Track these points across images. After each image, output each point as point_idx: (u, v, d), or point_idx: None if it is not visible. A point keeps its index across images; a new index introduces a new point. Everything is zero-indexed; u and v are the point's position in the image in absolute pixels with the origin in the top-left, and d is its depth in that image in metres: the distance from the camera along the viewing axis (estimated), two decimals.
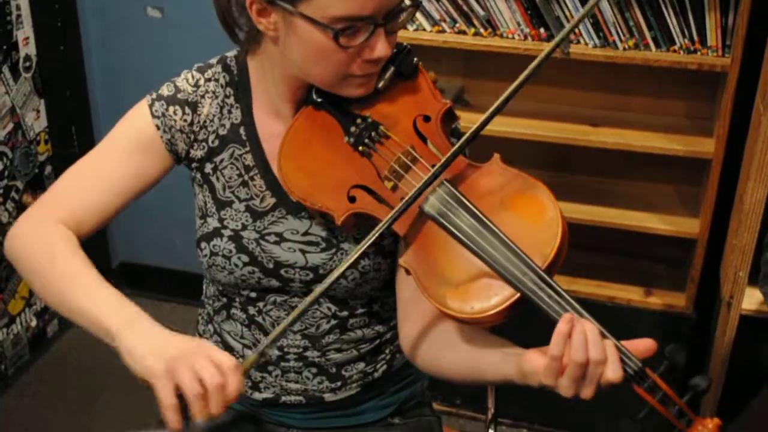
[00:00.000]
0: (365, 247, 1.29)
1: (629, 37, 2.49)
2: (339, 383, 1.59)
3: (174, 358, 1.22)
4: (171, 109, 1.48)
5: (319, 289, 1.28)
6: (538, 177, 1.38)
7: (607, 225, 2.66)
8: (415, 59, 1.44)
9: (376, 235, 1.29)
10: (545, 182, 1.35)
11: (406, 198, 1.30)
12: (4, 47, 2.86)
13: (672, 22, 2.45)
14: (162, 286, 3.46)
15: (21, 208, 3.02)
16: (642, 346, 1.20)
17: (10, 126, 2.95)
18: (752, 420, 2.75)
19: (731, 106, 2.44)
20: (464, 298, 1.26)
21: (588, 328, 1.17)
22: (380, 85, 1.41)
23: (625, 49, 2.50)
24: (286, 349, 1.55)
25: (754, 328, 2.51)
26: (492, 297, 1.24)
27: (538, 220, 1.27)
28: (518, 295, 1.22)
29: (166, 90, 1.49)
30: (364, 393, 1.61)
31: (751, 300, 2.46)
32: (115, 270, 3.49)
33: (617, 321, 2.63)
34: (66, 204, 1.48)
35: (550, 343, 1.18)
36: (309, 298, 1.28)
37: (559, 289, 1.21)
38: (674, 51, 2.48)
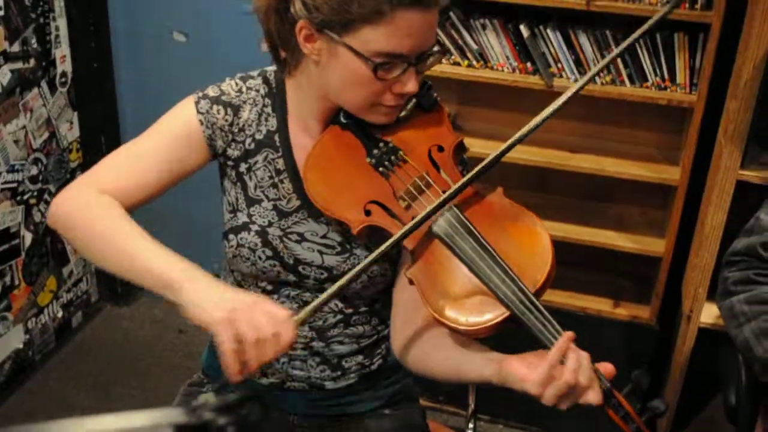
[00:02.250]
0: (379, 254, 1.30)
1: (607, 74, 2.51)
2: (339, 373, 1.60)
3: (234, 309, 1.23)
4: (215, 108, 1.48)
5: (348, 275, 1.29)
6: (521, 197, 1.40)
7: (581, 242, 2.67)
8: (435, 94, 1.47)
9: (389, 246, 1.30)
10: (527, 202, 1.38)
11: (419, 217, 1.31)
12: (43, 64, 2.88)
13: (645, 61, 2.47)
14: None
15: None
16: (604, 368, 1.23)
17: (46, 135, 2.96)
18: (707, 424, 2.76)
19: (696, 139, 2.45)
20: (460, 312, 1.29)
21: (583, 355, 1.21)
22: (402, 114, 1.43)
23: (602, 84, 2.52)
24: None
25: (711, 339, 2.52)
26: (485, 313, 1.27)
27: (532, 249, 1.30)
28: (508, 313, 1.25)
29: (211, 91, 1.50)
30: (360, 384, 1.62)
31: (708, 314, 2.47)
32: None
33: (587, 330, 2.66)
34: (111, 178, 1.46)
35: (548, 356, 1.21)
36: (345, 279, 1.29)
37: (544, 312, 1.25)
38: (647, 87, 2.50)
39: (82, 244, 1.44)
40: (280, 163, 1.50)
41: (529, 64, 2.56)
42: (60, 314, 3.19)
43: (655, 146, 2.71)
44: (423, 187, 1.40)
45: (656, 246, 2.64)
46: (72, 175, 3.13)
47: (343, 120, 1.47)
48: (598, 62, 2.49)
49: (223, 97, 1.50)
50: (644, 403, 1.24)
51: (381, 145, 1.44)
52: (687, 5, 2.35)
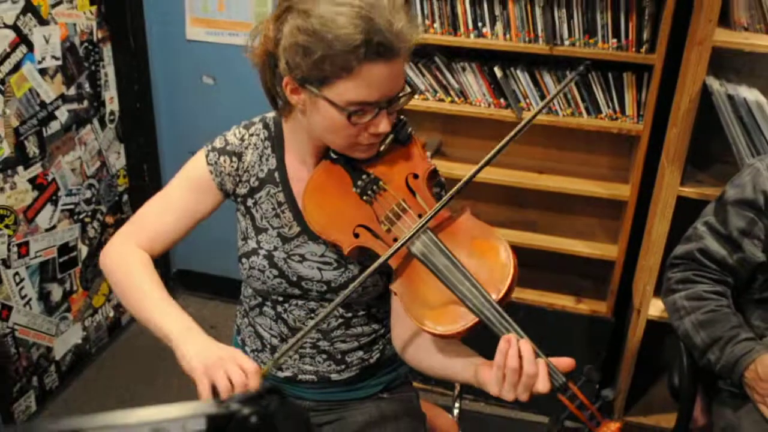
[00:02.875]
0: (367, 276, 1.31)
1: (567, 107, 2.52)
2: (343, 366, 1.59)
3: (212, 363, 1.26)
4: (221, 158, 1.48)
5: (321, 314, 1.31)
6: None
7: (548, 249, 2.68)
8: (410, 129, 1.45)
9: (375, 269, 1.31)
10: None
11: (398, 243, 1.31)
12: (95, 104, 2.88)
13: (600, 96, 2.48)
14: (207, 287, 3.46)
15: (104, 225, 3.03)
16: (564, 363, 1.22)
17: (98, 164, 2.96)
18: (654, 401, 2.76)
19: (643, 161, 2.46)
20: (436, 320, 1.29)
21: (524, 347, 1.21)
22: (381, 148, 1.42)
23: (564, 115, 2.53)
24: (303, 340, 1.55)
25: (657, 329, 2.52)
26: (458, 320, 1.27)
27: (496, 263, 1.29)
28: (477, 320, 1.25)
29: (218, 143, 1.50)
30: (361, 374, 1.61)
31: (655, 308, 2.48)
32: (173, 275, 3.49)
33: (555, 322, 2.69)
34: (143, 231, 1.50)
35: (494, 360, 1.22)
36: (313, 323, 1.30)
37: (507, 317, 1.24)
38: (601, 118, 2.51)
39: (117, 292, 1.49)
40: (281, 196, 1.49)
41: (502, 100, 2.57)
42: (111, 314, 3.18)
43: (608, 167, 2.72)
44: (400, 212, 1.38)
45: (611, 251, 2.64)
46: (119, 198, 3.13)
47: (333, 156, 1.46)
48: (560, 98, 2.50)
49: (228, 147, 1.49)
50: (598, 393, 1.25)
51: (364, 176, 1.43)
52: (634, 49, 2.36)
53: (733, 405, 1.76)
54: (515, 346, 1.21)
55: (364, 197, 1.42)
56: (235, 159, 1.49)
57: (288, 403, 1.14)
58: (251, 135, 1.51)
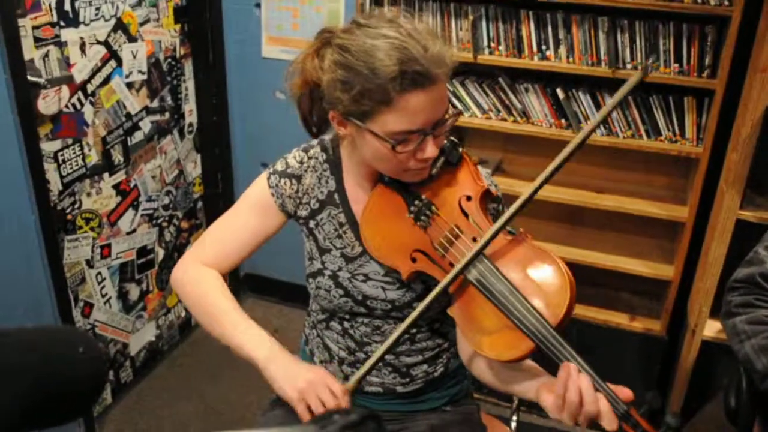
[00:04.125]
0: (426, 306, 1.30)
1: (628, 129, 2.47)
2: (408, 379, 1.57)
3: (303, 389, 1.29)
4: (282, 180, 1.48)
5: (392, 337, 1.33)
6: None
7: (605, 267, 2.62)
8: (461, 149, 1.40)
9: (434, 297, 1.30)
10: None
11: (453, 271, 1.29)
12: (175, 116, 2.93)
13: (660, 119, 2.43)
14: (273, 291, 3.49)
15: (179, 229, 3.08)
16: (624, 394, 1.18)
17: (176, 172, 3.01)
18: (705, 418, 2.68)
19: (702, 184, 2.40)
20: (493, 346, 1.26)
21: (583, 384, 1.16)
22: (433, 171, 1.37)
23: (624, 137, 2.48)
24: (369, 354, 1.53)
25: (712, 350, 2.46)
26: (515, 346, 1.24)
27: (553, 289, 1.24)
28: (533, 346, 1.22)
29: (279, 165, 1.49)
30: (426, 387, 1.59)
31: (710, 329, 2.41)
32: (241, 279, 3.53)
33: (608, 340, 2.64)
34: (212, 250, 1.52)
35: (555, 389, 1.19)
36: (384, 346, 1.32)
37: (565, 344, 1.20)
38: (660, 140, 2.46)
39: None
40: (342, 217, 1.47)
41: (563, 120, 2.54)
42: (183, 314, 3.23)
43: (667, 189, 2.66)
44: (453, 238, 1.34)
45: (666, 271, 2.58)
46: (195, 204, 3.18)
47: (386, 180, 1.43)
48: (620, 120, 2.46)
49: (288, 170, 1.48)
50: (661, 419, 1.20)
51: (417, 201, 1.39)
52: (696, 74, 2.31)
53: None
54: (575, 378, 1.16)
55: (419, 222, 1.38)
56: (294, 181, 1.48)
57: (384, 429, 1.15)
58: (310, 158, 1.49)
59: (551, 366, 1.24)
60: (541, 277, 1.27)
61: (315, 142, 1.52)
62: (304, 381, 1.28)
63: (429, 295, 1.30)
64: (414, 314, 1.30)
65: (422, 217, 1.38)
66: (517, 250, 1.31)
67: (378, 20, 1.27)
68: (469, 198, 1.37)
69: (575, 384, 1.16)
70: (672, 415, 1.18)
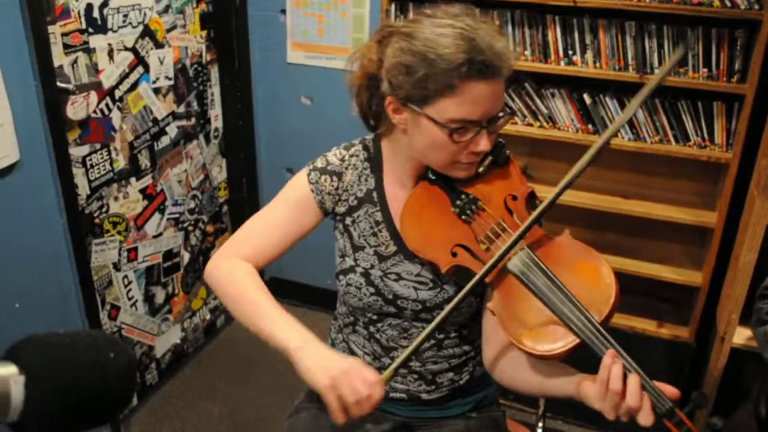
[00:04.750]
0: (467, 291, 1.27)
1: (655, 134, 2.45)
2: (433, 387, 1.56)
3: (336, 376, 1.23)
4: (323, 178, 1.48)
5: (435, 321, 1.28)
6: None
7: (631, 273, 2.60)
8: (508, 152, 1.42)
9: (474, 283, 1.27)
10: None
11: (495, 256, 1.27)
12: (201, 121, 2.95)
13: (689, 124, 2.40)
14: (298, 295, 3.49)
15: (205, 233, 3.10)
16: (670, 391, 1.16)
17: (202, 176, 3.02)
18: (734, 426, 2.64)
19: (731, 190, 2.37)
20: (536, 340, 1.23)
21: (631, 381, 1.14)
22: (480, 170, 1.39)
23: (652, 142, 2.46)
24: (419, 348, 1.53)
25: (741, 357, 2.42)
26: (558, 341, 1.21)
27: (598, 284, 1.22)
28: (578, 341, 1.19)
29: (320, 163, 1.50)
30: (451, 394, 1.58)
31: (740, 336, 2.37)
32: (266, 283, 3.51)
33: (636, 345, 2.60)
34: (248, 245, 1.49)
35: (599, 375, 1.16)
36: (428, 330, 1.28)
37: (610, 339, 1.18)
38: (689, 146, 2.43)
39: (226, 304, 1.47)
40: (379, 216, 1.47)
41: (590, 126, 2.52)
42: (208, 316, 3.24)
43: (695, 194, 2.62)
44: (499, 231, 1.34)
45: (695, 277, 2.54)
46: (220, 208, 3.19)
47: (431, 176, 1.43)
48: (648, 125, 2.43)
49: (329, 167, 1.49)
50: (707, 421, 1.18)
51: (463, 196, 1.40)
52: (725, 79, 2.28)
53: None
54: (619, 364, 1.15)
55: (463, 217, 1.38)
56: (335, 178, 1.48)
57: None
58: (351, 156, 1.50)
59: (595, 365, 1.20)
60: (585, 272, 1.25)
61: (356, 141, 1.53)
62: (337, 369, 1.24)
63: (470, 282, 1.28)
64: (456, 300, 1.27)
65: (467, 212, 1.38)
66: (559, 246, 1.31)
67: (444, 13, 1.30)
68: (515, 198, 1.38)
69: (619, 369, 1.14)
70: (717, 417, 1.16)
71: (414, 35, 1.27)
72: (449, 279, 1.43)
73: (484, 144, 1.31)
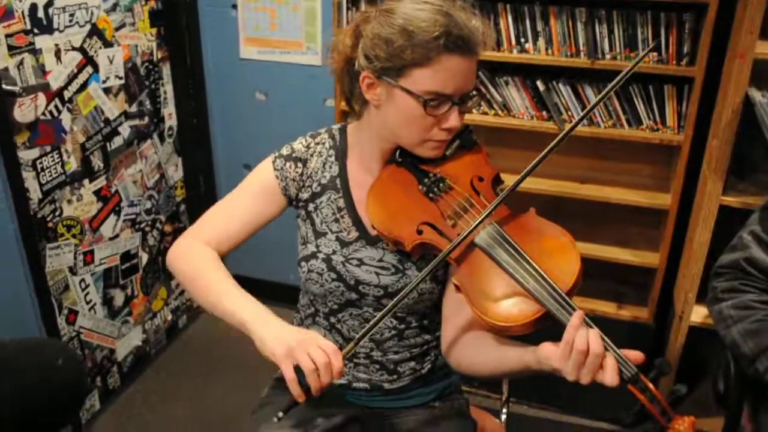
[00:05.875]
0: (437, 262, 1.28)
1: (609, 119, 2.47)
2: (395, 376, 1.56)
3: (292, 344, 1.22)
4: (288, 164, 1.50)
5: (394, 301, 1.27)
6: None
7: (591, 257, 2.62)
8: (474, 137, 1.46)
9: (441, 259, 1.28)
10: None
11: (464, 233, 1.28)
12: (155, 120, 2.90)
13: (641, 108, 2.43)
14: (259, 291, 3.43)
15: (163, 233, 3.05)
16: (634, 355, 1.15)
17: (158, 176, 2.98)
18: (695, 403, 2.69)
19: (684, 171, 2.41)
20: (502, 311, 1.23)
21: (592, 332, 1.14)
22: (448, 152, 1.42)
23: (605, 127, 2.48)
24: (357, 350, 1.52)
25: (698, 335, 2.46)
26: (524, 311, 1.21)
27: (563, 256, 1.24)
28: (544, 310, 1.19)
29: (285, 150, 1.52)
30: (413, 384, 1.58)
31: (697, 314, 2.42)
32: None
33: (596, 328, 2.63)
34: (210, 230, 1.50)
35: (565, 334, 1.15)
36: (386, 310, 1.27)
37: (577, 309, 1.17)
38: (642, 129, 2.46)
39: (184, 285, 1.47)
40: (341, 202, 1.49)
41: (544, 113, 2.53)
42: (169, 317, 3.20)
43: (650, 177, 2.66)
44: (467, 206, 1.36)
45: (652, 259, 2.58)
46: (177, 207, 3.15)
47: (398, 159, 1.45)
48: (601, 110, 2.45)
49: (294, 154, 1.51)
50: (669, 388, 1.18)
51: (430, 175, 1.42)
52: (675, 62, 2.31)
53: None
54: (585, 331, 1.14)
55: (430, 195, 1.40)
56: (300, 165, 1.50)
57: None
58: (317, 143, 1.53)
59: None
60: (550, 245, 1.27)
61: (323, 130, 1.55)
62: (294, 338, 1.23)
63: (437, 257, 1.28)
64: (426, 270, 1.28)
65: (435, 190, 1.40)
66: (525, 221, 1.34)
67: None
68: (481, 179, 1.41)
69: (585, 331, 1.14)
70: (681, 384, 1.16)
71: (393, 11, 1.31)
72: (412, 264, 1.44)
73: (454, 119, 1.33)
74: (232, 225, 1.50)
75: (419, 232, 1.36)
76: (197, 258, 1.45)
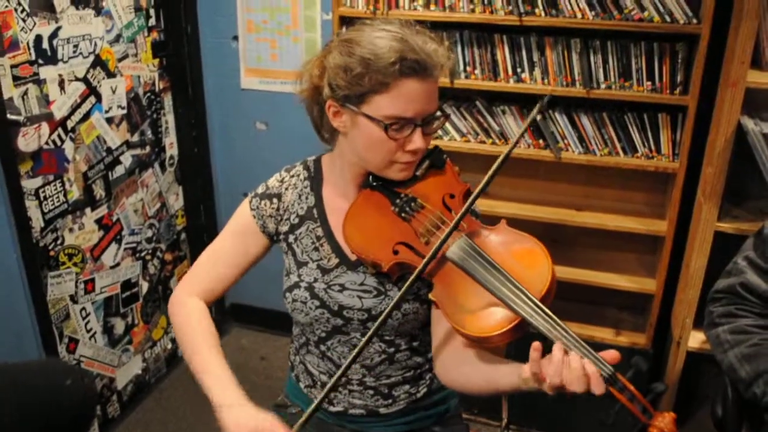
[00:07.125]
0: (411, 281, 1.30)
1: (604, 147, 2.50)
2: (390, 401, 1.57)
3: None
4: (263, 202, 1.54)
5: (377, 324, 1.30)
6: None
7: (587, 283, 2.63)
8: (444, 156, 1.48)
9: (418, 273, 1.30)
10: None
11: (435, 247, 1.31)
12: (156, 149, 2.92)
13: (636, 136, 2.45)
14: (259, 320, 3.47)
15: (163, 262, 3.06)
16: (610, 355, 1.17)
17: (159, 204, 2.99)
18: (694, 428, 2.69)
19: (679, 198, 2.43)
20: (477, 322, 1.25)
21: (573, 362, 1.15)
22: (418, 172, 1.44)
23: (601, 155, 2.50)
24: (350, 376, 1.55)
25: (697, 360, 2.46)
26: (499, 320, 1.23)
27: (534, 266, 1.26)
28: (519, 318, 1.20)
29: (260, 189, 1.56)
30: (410, 407, 1.58)
31: (695, 340, 2.42)
32: (227, 309, 3.50)
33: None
34: (200, 280, 1.57)
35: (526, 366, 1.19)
36: (369, 334, 1.30)
37: (550, 314, 1.19)
38: (637, 157, 2.49)
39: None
40: (320, 231, 1.51)
41: (541, 141, 2.56)
42: (169, 346, 3.20)
43: (646, 204, 2.68)
44: (439, 223, 1.38)
45: (649, 285, 2.59)
46: (178, 236, 3.16)
47: (372, 183, 1.47)
48: (597, 138, 2.48)
49: (268, 191, 1.55)
50: (646, 387, 1.18)
51: (402, 196, 1.44)
52: (668, 91, 2.34)
53: None
54: (564, 360, 1.15)
55: (403, 215, 1.42)
56: (275, 200, 1.53)
57: None
58: (291, 177, 1.56)
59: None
60: (521, 255, 1.29)
61: (298, 163, 1.58)
62: (249, 427, 1.32)
63: (412, 275, 1.31)
64: (402, 290, 1.30)
65: (407, 209, 1.42)
66: (496, 233, 1.36)
67: (382, 22, 1.38)
68: (452, 196, 1.43)
69: (563, 364, 1.15)
70: (659, 382, 1.17)
71: (353, 40, 1.34)
72: (392, 284, 1.46)
73: (418, 141, 1.36)
74: (220, 269, 1.56)
75: (395, 252, 1.39)
76: (185, 317, 1.53)
